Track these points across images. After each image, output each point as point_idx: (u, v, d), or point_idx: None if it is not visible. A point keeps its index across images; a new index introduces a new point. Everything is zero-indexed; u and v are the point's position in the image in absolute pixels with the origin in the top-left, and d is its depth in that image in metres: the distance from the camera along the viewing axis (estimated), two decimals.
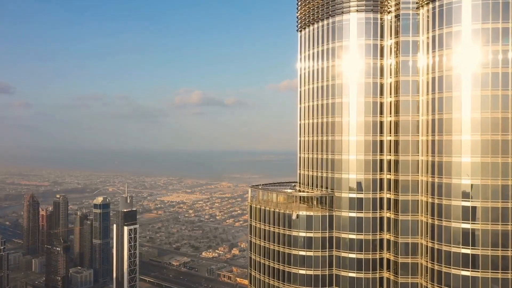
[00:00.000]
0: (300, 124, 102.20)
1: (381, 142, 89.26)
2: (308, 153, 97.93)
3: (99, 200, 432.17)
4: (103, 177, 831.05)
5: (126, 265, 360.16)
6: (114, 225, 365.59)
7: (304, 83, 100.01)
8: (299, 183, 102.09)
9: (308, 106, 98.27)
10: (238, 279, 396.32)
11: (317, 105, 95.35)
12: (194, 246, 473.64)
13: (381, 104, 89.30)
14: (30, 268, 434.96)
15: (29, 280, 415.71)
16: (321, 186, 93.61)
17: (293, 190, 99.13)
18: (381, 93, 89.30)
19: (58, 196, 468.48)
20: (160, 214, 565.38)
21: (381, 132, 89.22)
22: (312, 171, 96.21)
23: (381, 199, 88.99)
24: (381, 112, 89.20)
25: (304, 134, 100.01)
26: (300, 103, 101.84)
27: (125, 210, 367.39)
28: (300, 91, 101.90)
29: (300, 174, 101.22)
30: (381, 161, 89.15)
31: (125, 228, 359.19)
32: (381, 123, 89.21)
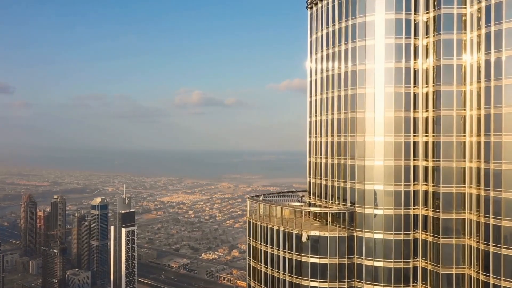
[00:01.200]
0: (310, 122, 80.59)
1: (415, 144, 67.63)
2: (321, 158, 76.31)
3: (97, 201, 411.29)
4: (103, 177, 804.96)
5: (124, 268, 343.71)
6: (112, 227, 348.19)
7: (316, 71, 78.42)
8: (309, 193, 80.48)
9: (321, 99, 76.63)
10: (238, 281, 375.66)
11: (333, 97, 73.69)
12: (194, 247, 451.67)
13: (415, 95, 67.73)
14: (27, 269, 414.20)
15: (25, 282, 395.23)
16: (338, 199, 72.01)
17: (302, 203, 77.43)
18: (415, 81, 67.77)
19: (56, 197, 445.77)
20: (159, 215, 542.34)
21: (415, 131, 67.60)
22: (326, 179, 74.61)
23: (416, 216, 67.33)
24: (415, 106, 67.64)
25: (315, 134, 78.43)
26: (311, 96, 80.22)
27: (123, 212, 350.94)
28: (311, 81, 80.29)
29: (310, 183, 79.52)
30: (415, 168, 67.49)
31: (123, 230, 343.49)
32: (415, 119, 67.60)
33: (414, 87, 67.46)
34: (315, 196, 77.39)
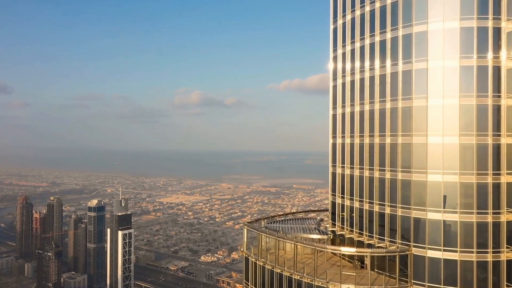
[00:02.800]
0: (333, 116, 53.64)
1: (509, 148, 40.95)
2: (352, 168, 49.37)
3: (93, 202, 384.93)
4: (102, 177, 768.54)
5: (121, 271, 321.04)
6: (108, 229, 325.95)
7: (344, 41, 51.42)
8: (333, 217, 53.64)
9: (352, 81, 49.72)
10: (237, 285, 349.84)
11: (372, 77, 46.75)
12: (193, 249, 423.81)
13: (508, 72, 41.03)
14: (23, 272, 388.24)
15: (20, 285, 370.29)
16: (381, 231, 45.14)
17: (323, 235, 50.19)
18: (509, 50, 41.06)
19: (52, 198, 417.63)
20: (158, 216, 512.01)
21: (509, 128, 40.91)
22: (361, 201, 47.74)
23: (510, 263, 40.61)
24: (509, 89, 40.94)
25: (343, 132, 51.55)
26: (335, 78, 53.21)
27: (119, 214, 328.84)
28: (335, 57, 53.24)
29: (335, 203, 52.49)
30: (509, 187, 40.81)
31: (120, 233, 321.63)
32: (509, 110, 40.88)
33: (507, 58, 40.68)
34: (343, 224, 50.47)
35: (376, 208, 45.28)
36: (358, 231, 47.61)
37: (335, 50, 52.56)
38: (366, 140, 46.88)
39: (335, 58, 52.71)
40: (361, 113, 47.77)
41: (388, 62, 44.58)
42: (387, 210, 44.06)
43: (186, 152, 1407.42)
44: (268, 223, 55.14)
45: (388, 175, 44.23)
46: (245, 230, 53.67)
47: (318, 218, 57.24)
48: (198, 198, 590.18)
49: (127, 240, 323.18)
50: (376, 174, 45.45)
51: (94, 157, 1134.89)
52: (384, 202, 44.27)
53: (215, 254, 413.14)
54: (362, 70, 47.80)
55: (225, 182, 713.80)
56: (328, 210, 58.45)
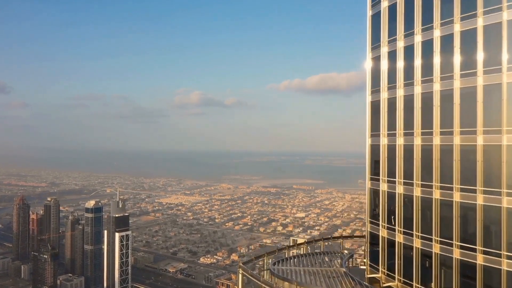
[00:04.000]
0: (375, 103, 34.09)
1: None
2: (410, 185, 30.03)
3: (91, 203, 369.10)
4: (102, 178, 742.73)
5: (118, 274, 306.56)
6: (105, 231, 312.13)
7: None
8: (373, 255, 34.41)
9: (409, 47, 30.49)
10: (236, 287, 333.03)
11: (448, 37, 27.84)
12: (192, 251, 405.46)
13: None
14: (19, 274, 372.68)
15: (17, 287, 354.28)
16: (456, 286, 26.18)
17: (356, 284, 31.09)
18: None
19: (49, 199, 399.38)
20: (158, 217, 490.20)
21: None
22: (426, 238, 28.50)
23: None
24: None
25: (393, 128, 32.19)
26: (380, 46, 33.90)
27: (116, 215, 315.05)
28: (376, 14, 34.12)
29: (378, 237, 33.10)
30: None
31: (117, 235, 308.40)
32: None
33: None
34: (391, 271, 31.22)
35: (456, 254, 26.14)
36: (419, 286, 28.44)
37: (377, 3, 33.28)
38: (436, 140, 27.69)
39: (375, 16, 33.39)
40: (425, 97, 28.54)
41: (456, 14, 25.44)
42: (479, 259, 24.97)
43: (186, 152, 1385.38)
44: (274, 263, 35.89)
45: (480, 200, 25.08)
46: (240, 275, 34.34)
47: (346, 253, 37.93)
48: (197, 199, 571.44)
49: (124, 242, 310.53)
50: (456, 197, 26.27)
51: (93, 157, 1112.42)
52: (475, 246, 25.13)
53: (215, 256, 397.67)
54: (426, 28, 28.64)
55: (225, 182, 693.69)
56: (356, 236, 39.48)
